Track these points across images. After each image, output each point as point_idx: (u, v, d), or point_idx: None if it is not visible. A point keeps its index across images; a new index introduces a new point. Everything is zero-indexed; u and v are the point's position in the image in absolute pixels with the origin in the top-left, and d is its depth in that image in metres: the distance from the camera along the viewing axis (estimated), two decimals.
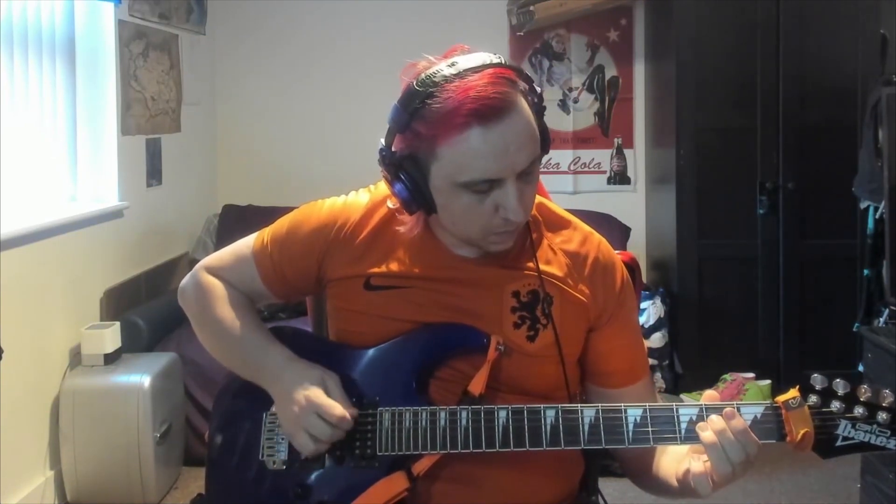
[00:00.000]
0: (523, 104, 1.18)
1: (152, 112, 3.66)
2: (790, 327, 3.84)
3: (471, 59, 1.19)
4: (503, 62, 1.20)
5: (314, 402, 1.22)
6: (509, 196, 1.18)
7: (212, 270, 1.43)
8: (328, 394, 1.24)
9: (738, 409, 1.13)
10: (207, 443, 1.40)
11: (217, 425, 1.38)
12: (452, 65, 1.18)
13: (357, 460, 1.24)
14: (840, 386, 1.12)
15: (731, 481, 1.12)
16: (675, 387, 3.86)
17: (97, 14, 3.30)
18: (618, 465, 1.39)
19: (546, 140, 1.24)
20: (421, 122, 1.17)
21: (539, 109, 1.22)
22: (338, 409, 1.22)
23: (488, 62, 1.18)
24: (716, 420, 1.12)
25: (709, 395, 1.17)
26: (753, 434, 1.11)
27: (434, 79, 1.16)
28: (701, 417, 1.14)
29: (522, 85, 1.20)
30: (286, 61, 4.40)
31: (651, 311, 3.83)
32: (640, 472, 1.33)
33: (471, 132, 1.14)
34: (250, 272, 1.40)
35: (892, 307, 2.92)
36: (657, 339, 3.81)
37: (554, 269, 1.31)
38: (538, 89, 1.23)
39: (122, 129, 3.39)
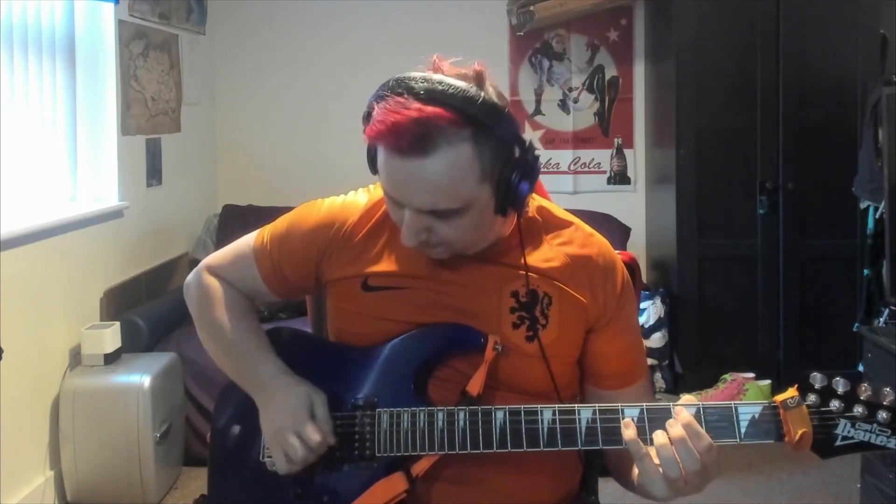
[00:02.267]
0: (456, 155, 1.11)
1: (152, 112, 3.66)
2: (790, 327, 3.83)
3: (443, 82, 1.13)
4: (479, 98, 1.11)
5: (296, 422, 1.23)
6: (403, 221, 1.19)
7: (213, 270, 1.44)
8: (313, 413, 1.25)
9: (737, 409, 1.12)
10: (209, 443, 1.40)
11: (219, 426, 1.39)
12: (425, 80, 1.14)
13: (356, 461, 1.24)
14: (840, 385, 1.10)
15: (687, 485, 1.09)
16: (675, 387, 3.85)
17: (97, 14, 3.30)
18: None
19: (505, 197, 1.16)
20: (368, 120, 1.17)
21: (506, 161, 1.15)
22: (316, 435, 1.22)
23: (449, 93, 1.11)
24: (669, 421, 1.11)
25: (686, 399, 1.15)
26: (702, 429, 1.09)
27: (390, 83, 1.15)
28: (697, 417, 1.12)
29: (476, 134, 1.12)
30: (286, 61, 4.40)
31: (651, 311, 3.83)
32: (620, 472, 1.33)
33: (381, 149, 1.16)
34: (251, 270, 1.40)
35: (892, 307, 2.92)
36: (657, 339, 3.81)
37: (553, 270, 1.30)
38: (520, 143, 1.16)
39: (122, 129, 3.39)
